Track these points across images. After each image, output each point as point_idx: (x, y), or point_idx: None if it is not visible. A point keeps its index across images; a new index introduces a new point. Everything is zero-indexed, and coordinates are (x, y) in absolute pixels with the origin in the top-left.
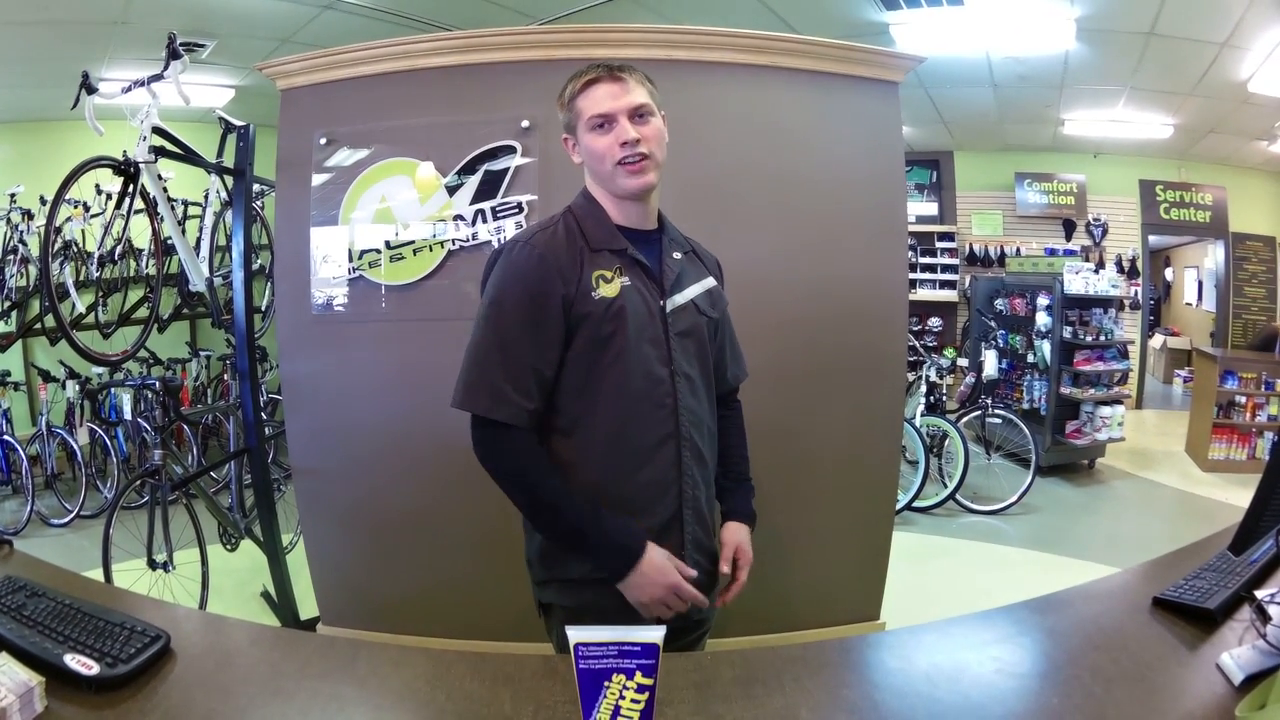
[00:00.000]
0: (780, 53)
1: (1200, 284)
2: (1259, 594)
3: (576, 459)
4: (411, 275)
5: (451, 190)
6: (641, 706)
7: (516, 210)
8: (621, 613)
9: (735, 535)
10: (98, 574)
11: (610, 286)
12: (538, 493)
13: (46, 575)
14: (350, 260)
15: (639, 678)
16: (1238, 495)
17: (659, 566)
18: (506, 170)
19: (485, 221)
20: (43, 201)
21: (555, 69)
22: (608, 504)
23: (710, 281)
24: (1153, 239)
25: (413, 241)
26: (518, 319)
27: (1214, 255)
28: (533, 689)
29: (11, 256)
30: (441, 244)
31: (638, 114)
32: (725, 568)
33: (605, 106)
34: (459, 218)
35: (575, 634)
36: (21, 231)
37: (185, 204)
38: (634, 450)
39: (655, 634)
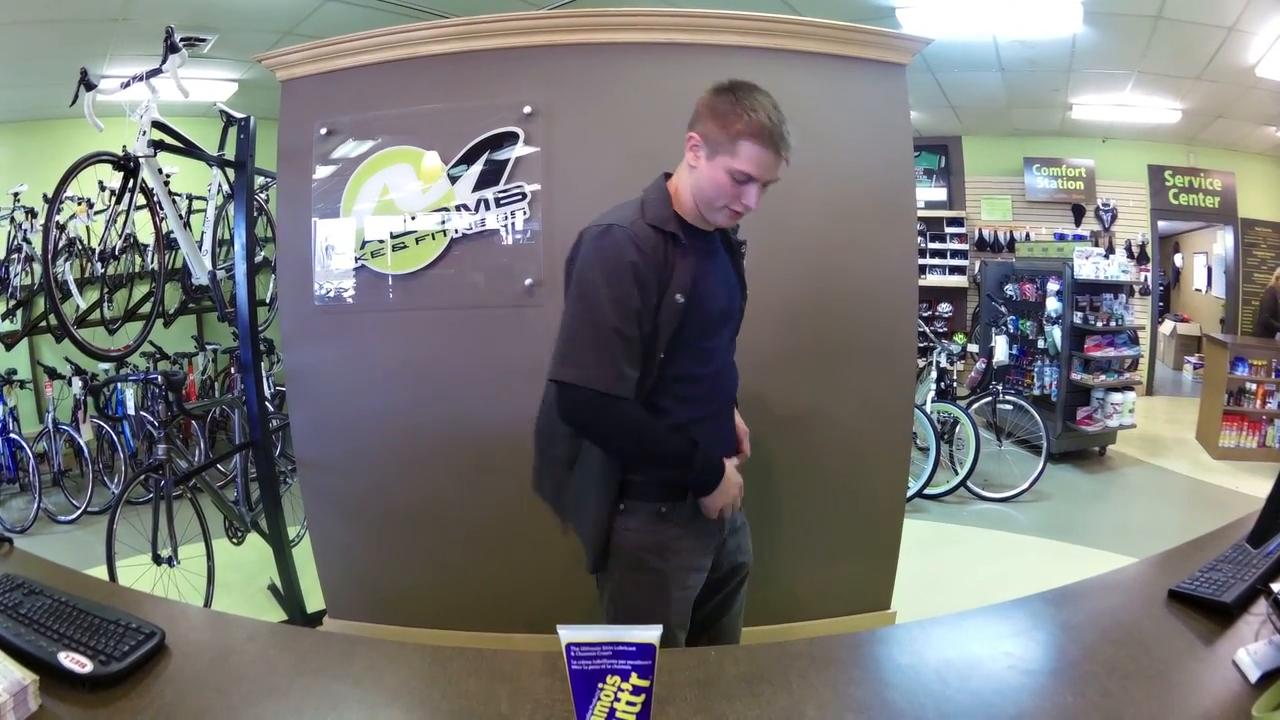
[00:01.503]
0: (784, 35)
1: (1210, 270)
2: (1275, 587)
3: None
4: (415, 264)
5: (454, 178)
6: (638, 709)
7: (520, 197)
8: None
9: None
10: (103, 571)
11: (685, 286)
12: (645, 446)
13: (45, 573)
14: (353, 250)
15: (634, 679)
16: (1249, 483)
17: (734, 477)
18: (509, 156)
19: (489, 209)
20: (46, 200)
21: (556, 54)
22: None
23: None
24: (1162, 224)
25: (415, 230)
26: (619, 292)
27: (1223, 241)
28: (530, 687)
29: (16, 255)
30: (444, 232)
31: (767, 183)
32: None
33: (758, 172)
34: (462, 205)
35: (567, 633)
36: (25, 230)
37: (190, 199)
38: (712, 420)
39: (651, 634)
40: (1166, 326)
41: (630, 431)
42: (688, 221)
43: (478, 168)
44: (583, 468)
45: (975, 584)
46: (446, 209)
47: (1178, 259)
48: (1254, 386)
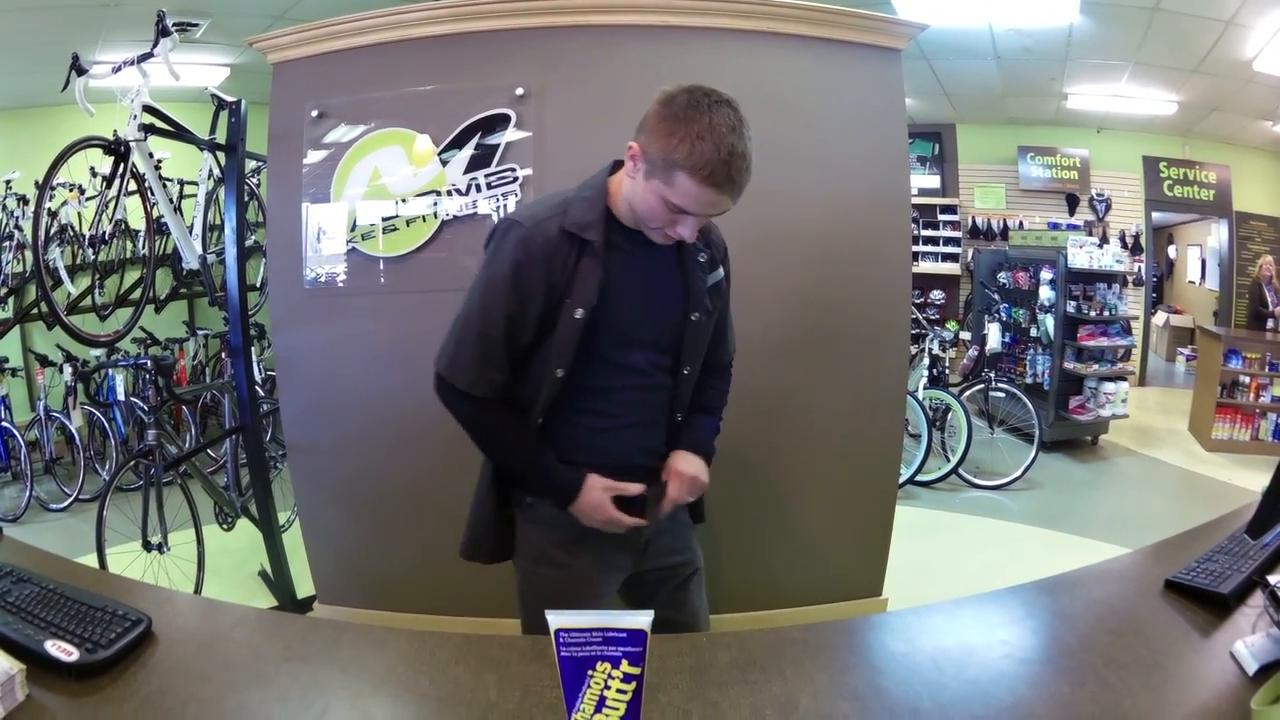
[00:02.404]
0: (778, 18)
1: (1203, 262)
2: (1273, 579)
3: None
4: (405, 247)
5: (445, 160)
6: (629, 697)
7: (511, 180)
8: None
9: (680, 462)
10: (94, 558)
11: (585, 292)
12: (493, 451)
13: (34, 560)
14: (344, 233)
15: (625, 666)
16: (1241, 476)
17: (592, 501)
18: (500, 138)
19: (480, 191)
20: (37, 186)
21: (549, 36)
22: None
23: (719, 274)
24: (1156, 216)
25: (406, 213)
26: (503, 308)
27: (1217, 234)
28: (520, 673)
29: (8, 243)
30: (435, 214)
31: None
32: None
33: (693, 208)
34: (453, 188)
35: (556, 619)
36: (17, 217)
37: (181, 184)
38: (615, 428)
39: (643, 619)
40: (1159, 318)
41: (480, 432)
42: (624, 224)
43: (469, 150)
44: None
45: (966, 572)
46: (438, 191)
47: (1171, 251)
48: (1247, 379)
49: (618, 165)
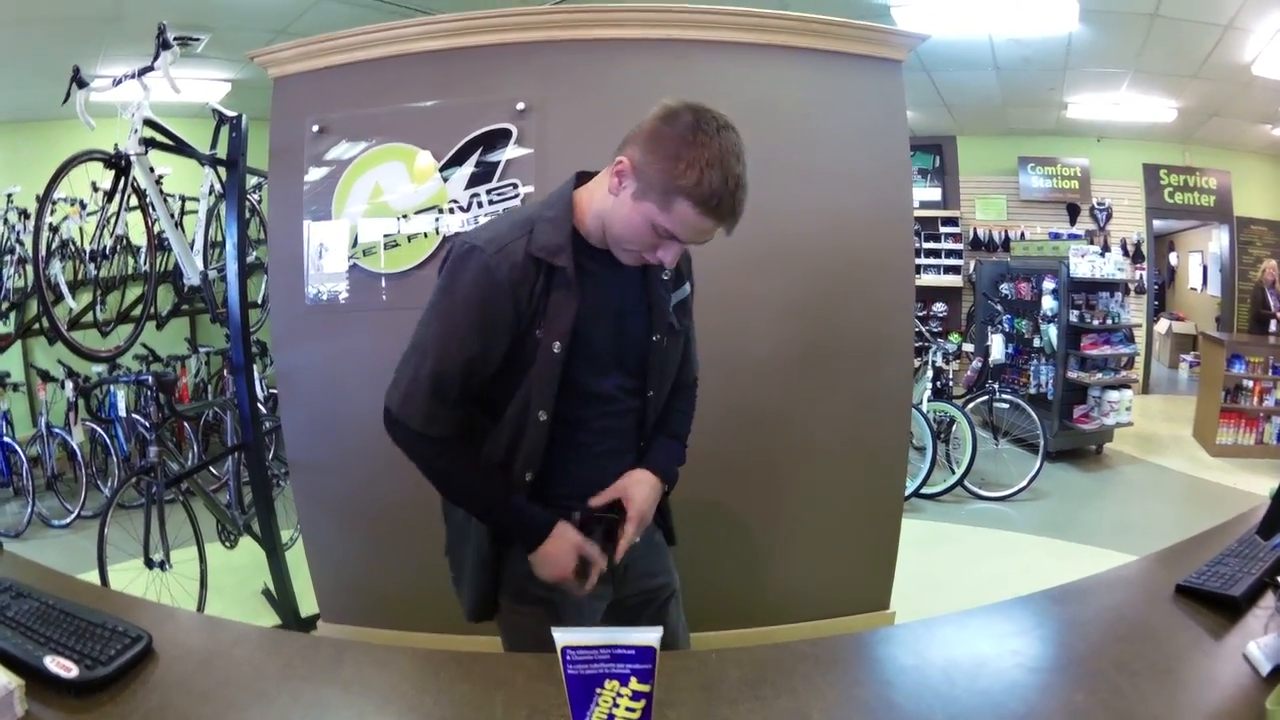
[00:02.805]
0: (780, 30)
1: (1205, 269)
2: None
3: (507, 460)
4: (407, 263)
5: (446, 176)
6: (638, 715)
7: (513, 195)
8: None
9: (633, 487)
10: (95, 575)
11: (556, 320)
12: (451, 490)
13: (35, 576)
14: (345, 249)
15: (634, 684)
16: (1247, 480)
17: (561, 546)
18: (502, 152)
19: (481, 207)
20: (38, 200)
21: (550, 51)
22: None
23: (685, 290)
24: (1157, 223)
25: (408, 228)
26: (465, 346)
27: (1218, 240)
28: (527, 692)
29: (9, 257)
30: (437, 230)
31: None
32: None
33: (687, 237)
34: (454, 203)
35: (563, 636)
36: (19, 232)
37: (183, 199)
38: (571, 458)
39: (651, 636)
40: (1162, 325)
41: (436, 472)
42: (590, 243)
43: (470, 164)
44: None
45: (973, 583)
46: (439, 207)
47: (1173, 258)
48: (1251, 384)
49: (581, 178)
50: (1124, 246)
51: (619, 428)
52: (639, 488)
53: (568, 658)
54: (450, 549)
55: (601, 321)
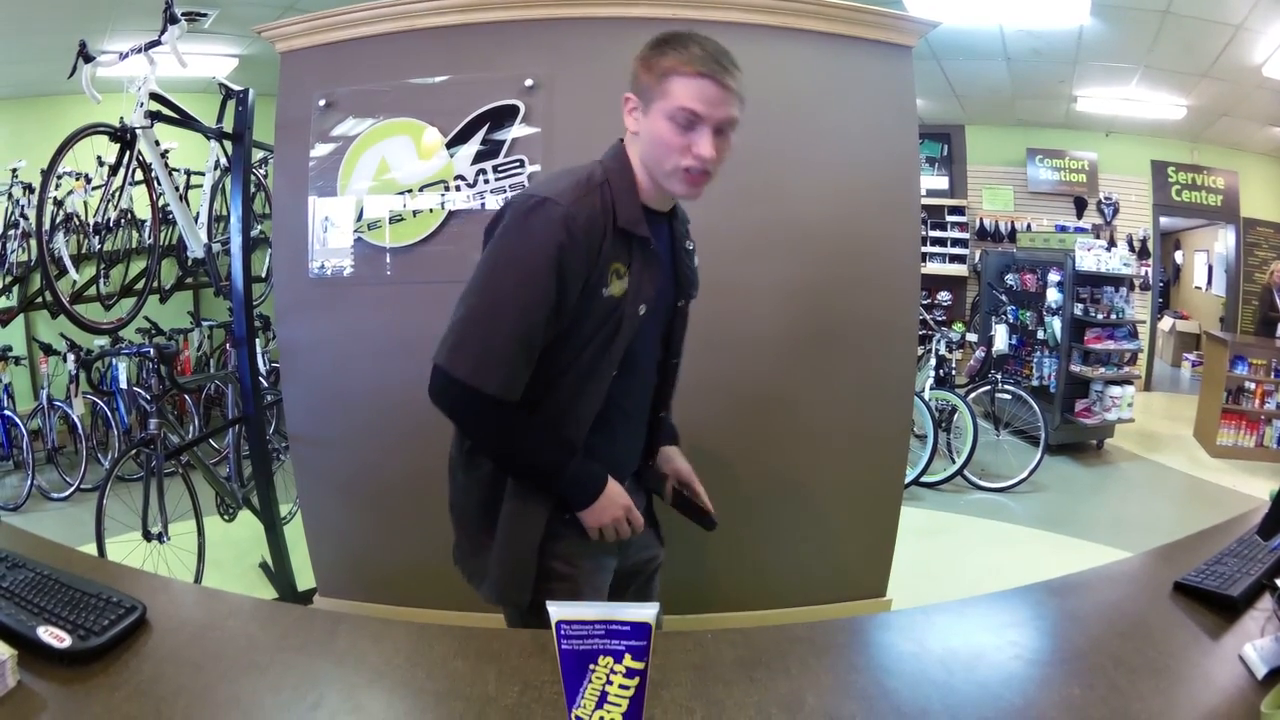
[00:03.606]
0: (790, 13)
1: (1210, 268)
2: None
3: (560, 423)
4: (412, 237)
5: (453, 152)
6: (631, 693)
7: (520, 171)
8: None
9: (676, 460)
10: (94, 548)
11: (620, 284)
12: (517, 456)
13: (30, 546)
14: (350, 223)
15: (628, 660)
16: (1245, 482)
17: (615, 494)
18: (509, 130)
19: (488, 183)
20: (42, 174)
21: (558, 27)
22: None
23: (695, 259)
24: (1163, 221)
25: (414, 203)
26: (545, 299)
27: (1224, 240)
28: (519, 667)
29: (13, 231)
30: (443, 205)
31: (721, 128)
32: (697, 490)
33: (699, 108)
34: (460, 178)
35: (557, 610)
36: (23, 206)
37: (188, 173)
38: (616, 424)
39: (647, 612)
40: (1166, 323)
41: (506, 437)
42: (651, 208)
43: (477, 140)
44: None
45: (970, 573)
46: (445, 183)
47: (1178, 256)
48: (1253, 386)
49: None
50: (1130, 242)
51: (644, 399)
52: (681, 460)
53: (562, 632)
54: (469, 531)
55: (657, 287)
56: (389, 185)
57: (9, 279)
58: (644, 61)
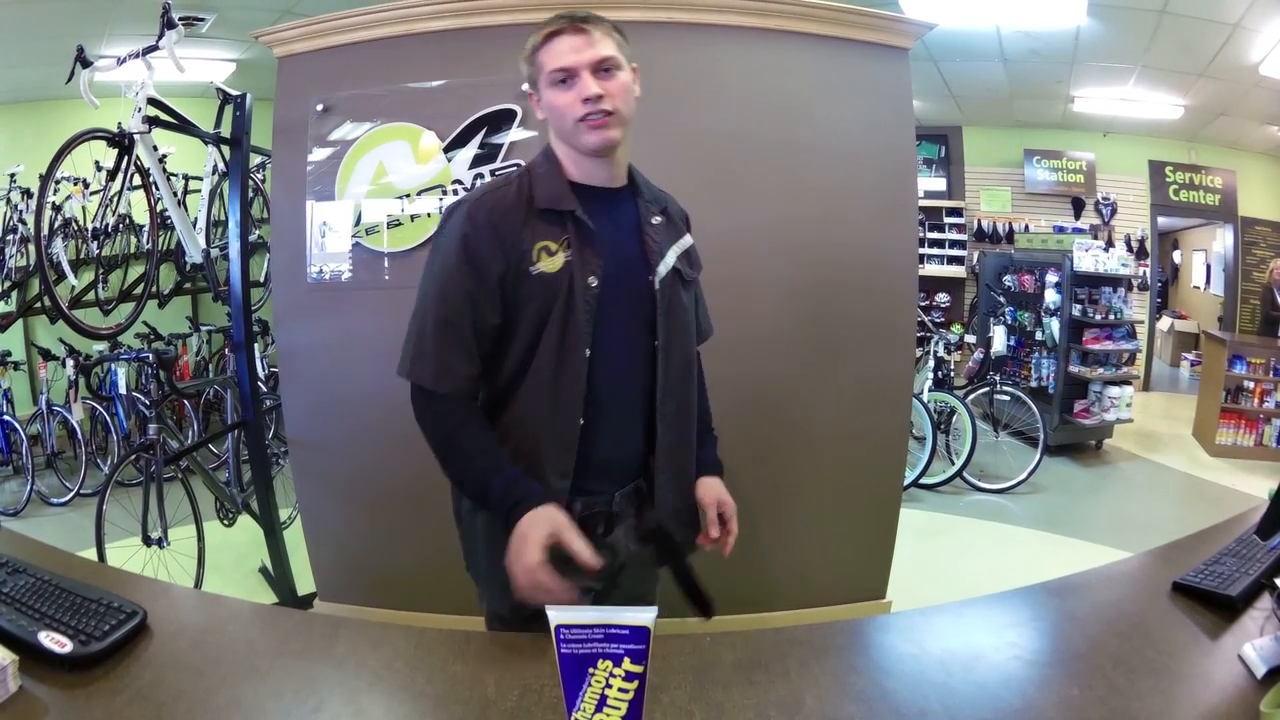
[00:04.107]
0: (787, 16)
1: (1208, 268)
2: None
3: (547, 421)
4: (410, 242)
5: (450, 156)
6: (630, 696)
7: None
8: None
9: (714, 491)
10: (94, 553)
11: (552, 260)
12: (448, 456)
13: (30, 552)
14: (348, 227)
15: (627, 664)
16: (1245, 481)
17: (529, 538)
18: (506, 134)
19: None
20: (41, 179)
21: None
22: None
23: (687, 240)
24: (1161, 221)
25: (411, 207)
26: (460, 288)
27: (1223, 239)
28: (519, 671)
29: (12, 236)
30: (441, 209)
31: (602, 68)
32: (714, 532)
33: (567, 60)
34: (458, 183)
35: (557, 615)
36: (21, 211)
37: (186, 178)
38: (594, 417)
39: (646, 616)
40: (1164, 323)
41: (437, 435)
42: (591, 185)
43: (474, 145)
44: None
45: (969, 575)
46: (443, 187)
47: (1176, 256)
48: (1252, 385)
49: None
50: (1128, 242)
51: (624, 390)
52: (720, 489)
53: (561, 636)
54: (461, 537)
55: (611, 261)
56: (387, 189)
57: (7, 284)
58: (522, 58)
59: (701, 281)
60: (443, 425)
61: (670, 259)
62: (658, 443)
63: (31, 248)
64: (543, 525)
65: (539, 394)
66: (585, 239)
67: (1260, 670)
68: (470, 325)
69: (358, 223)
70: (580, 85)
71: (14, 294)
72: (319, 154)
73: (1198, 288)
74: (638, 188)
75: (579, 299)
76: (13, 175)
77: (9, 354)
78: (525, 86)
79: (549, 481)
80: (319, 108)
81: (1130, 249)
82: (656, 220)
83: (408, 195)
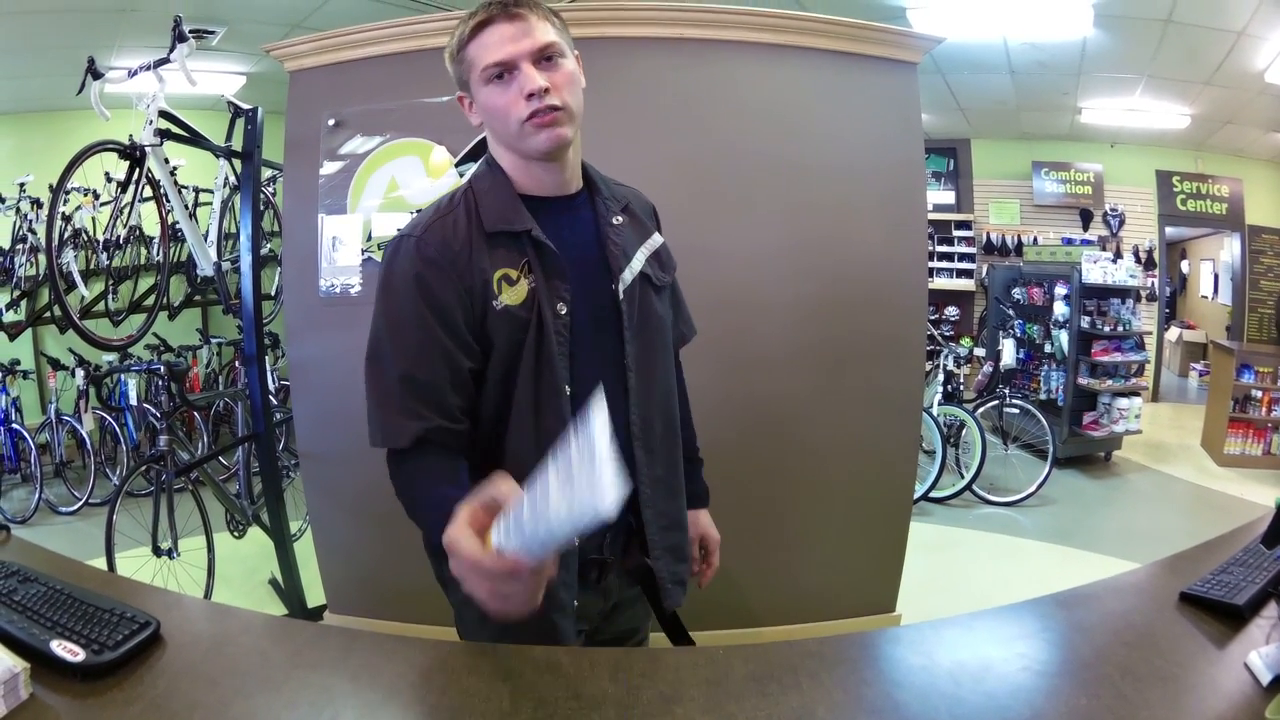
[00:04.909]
0: (795, 31)
1: (1216, 277)
2: None
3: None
4: None
5: (461, 170)
6: None
7: None
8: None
9: (699, 525)
10: (103, 562)
11: (515, 290)
12: (413, 506)
13: (42, 561)
14: (359, 242)
15: None
16: (1254, 490)
17: (459, 544)
18: None
19: None
20: (51, 190)
21: None
22: None
23: (656, 240)
24: (1169, 231)
25: None
26: (424, 335)
27: (1230, 248)
28: (533, 684)
29: (21, 246)
30: None
31: (544, 56)
32: (694, 567)
33: (504, 52)
34: None
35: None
36: (31, 220)
37: (196, 191)
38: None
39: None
40: (1172, 333)
41: (408, 486)
42: (545, 196)
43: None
44: None
45: (980, 588)
46: None
47: (1184, 265)
48: (1260, 394)
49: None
50: (1136, 253)
51: (619, 419)
52: (704, 523)
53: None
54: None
55: (577, 282)
56: (399, 204)
57: (17, 293)
58: (448, 56)
59: (679, 282)
60: (407, 476)
61: (637, 263)
62: (640, 475)
63: (41, 257)
64: (458, 521)
65: (523, 438)
66: (546, 261)
67: (1266, 677)
68: (445, 374)
69: (369, 238)
70: (522, 78)
71: (23, 303)
72: (330, 168)
73: (1205, 297)
74: (594, 186)
75: (550, 331)
76: (22, 185)
77: (18, 362)
78: (458, 93)
79: None
80: (330, 122)
81: (1138, 260)
82: (618, 220)
83: (419, 210)
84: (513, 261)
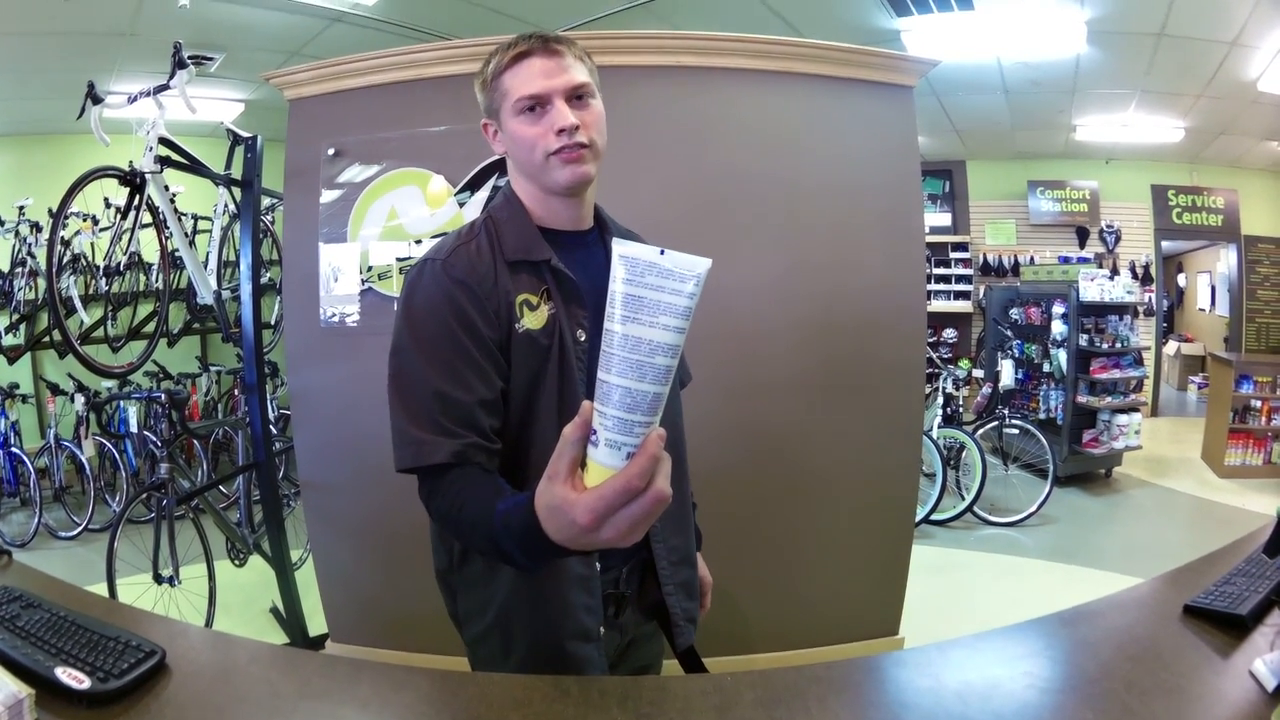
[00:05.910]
0: (791, 58)
1: (1213, 289)
2: None
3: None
4: None
5: (461, 200)
6: None
7: None
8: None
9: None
10: (103, 588)
11: (536, 315)
12: (462, 530)
13: (44, 586)
14: (359, 272)
15: None
16: (1255, 501)
17: (562, 522)
18: None
19: None
20: (50, 214)
21: None
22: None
23: None
24: (1165, 244)
25: (421, 252)
26: (457, 352)
27: (1226, 259)
28: (543, 713)
29: (20, 269)
30: None
31: (576, 95)
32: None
33: (538, 86)
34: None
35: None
36: (30, 244)
37: (195, 219)
38: None
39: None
40: (1170, 347)
41: (452, 512)
42: (560, 230)
43: (485, 189)
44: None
45: (983, 609)
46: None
47: (1181, 279)
48: (1259, 404)
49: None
50: (1133, 269)
51: None
52: (701, 568)
53: None
54: (481, 622)
55: (594, 312)
56: (398, 234)
57: (16, 317)
58: (480, 83)
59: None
60: (452, 495)
61: None
62: None
63: (40, 281)
64: (544, 493)
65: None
66: (565, 289)
67: (1271, 684)
68: (479, 392)
69: (369, 268)
70: (554, 114)
71: (22, 327)
72: (330, 198)
73: (1203, 310)
74: (605, 226)
75: (570, 357)
76: (21, 208)
77: (17, 386)
78: (485, 123)
79: (572, 565)
80: (330, 151)
81: (1135, 275)
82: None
83: (419, 240)
84: (533, 287)
